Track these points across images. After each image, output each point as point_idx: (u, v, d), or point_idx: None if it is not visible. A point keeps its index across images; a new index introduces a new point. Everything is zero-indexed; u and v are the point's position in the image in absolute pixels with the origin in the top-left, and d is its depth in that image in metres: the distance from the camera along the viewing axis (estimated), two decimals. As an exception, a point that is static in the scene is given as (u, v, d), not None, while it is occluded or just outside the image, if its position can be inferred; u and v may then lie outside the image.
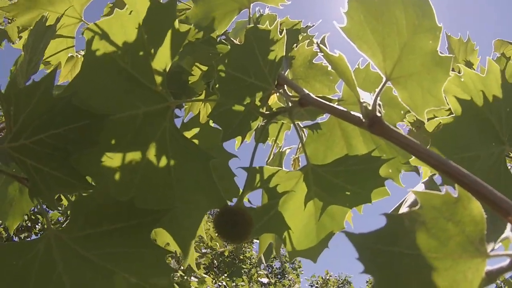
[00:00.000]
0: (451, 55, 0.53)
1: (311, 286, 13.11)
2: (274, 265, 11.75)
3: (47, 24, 0.68)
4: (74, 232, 0.53)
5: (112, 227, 0.52)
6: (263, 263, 0.79)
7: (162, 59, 0.59)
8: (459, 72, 0.61)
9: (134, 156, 0.58)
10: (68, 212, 0.59)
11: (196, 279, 3.21)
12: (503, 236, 0.34)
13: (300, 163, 0.99)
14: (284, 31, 0.66)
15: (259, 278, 6.58)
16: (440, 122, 0.59)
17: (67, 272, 0.51)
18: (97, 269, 0.51)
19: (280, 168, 0.68)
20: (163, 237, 0.62)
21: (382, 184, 0.65)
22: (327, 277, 12.76)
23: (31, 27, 0.69)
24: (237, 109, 0.68)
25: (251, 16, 0.89)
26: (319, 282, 12.76)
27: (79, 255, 0.52)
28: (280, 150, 0.99)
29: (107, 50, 0.57)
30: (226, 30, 0.90)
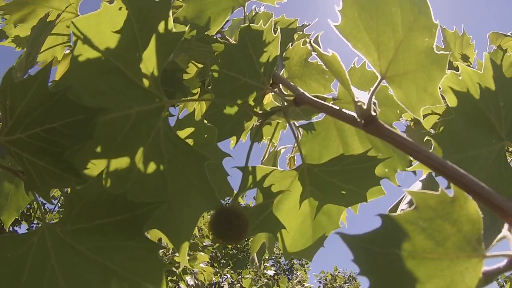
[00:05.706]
0: (448, 52, 0.52)
1: (320, 282, 13.17)
2: (282, 261, 11.73)
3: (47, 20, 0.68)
4: (67, 225, 0.52)
5: (105, 221, 0.52)
6: (255, 262, 0.79)
7: (156, 58, 0.57)
8: (456, 70, 0.60)
9: (126, 157, 0.56)
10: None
11: (188, 257, 3.20)
12: (500, 235, 0.33)
13: (295, 162, 0.98)
14: (278, 30, 0.65)
15: (265, 271, 6.54)
16: (438, 123, 0.59)
17: (60, 265, 0.51)
18: (90, 262, 0.51)
19: (275, 168, 0.68)
20: (156, 233, 0.61)
21: (377, 183, 0.65)
22: (336, 273, 12.81)
23: (32, 25, 0.69)
24: (231, 109, 0.68)
25: (246, 14, 0.89)
26: (327, 279, 12.79)
27: (72, 248, 0.52)
28: (275, 149, 0.98)
29: (96, 48, 0.55)
30: (222, 28, 0.90)
